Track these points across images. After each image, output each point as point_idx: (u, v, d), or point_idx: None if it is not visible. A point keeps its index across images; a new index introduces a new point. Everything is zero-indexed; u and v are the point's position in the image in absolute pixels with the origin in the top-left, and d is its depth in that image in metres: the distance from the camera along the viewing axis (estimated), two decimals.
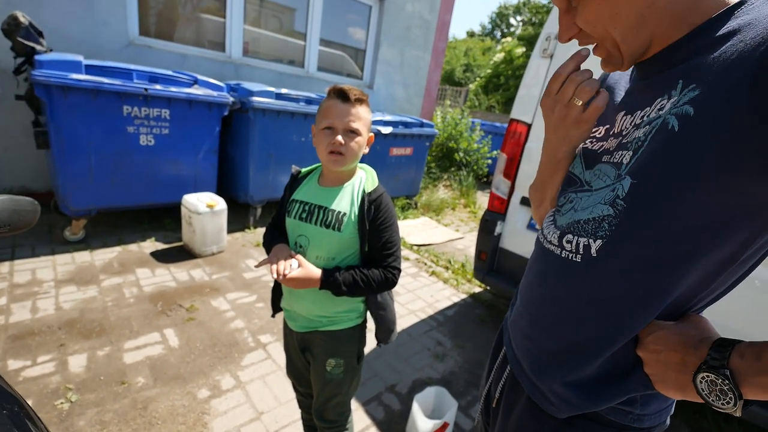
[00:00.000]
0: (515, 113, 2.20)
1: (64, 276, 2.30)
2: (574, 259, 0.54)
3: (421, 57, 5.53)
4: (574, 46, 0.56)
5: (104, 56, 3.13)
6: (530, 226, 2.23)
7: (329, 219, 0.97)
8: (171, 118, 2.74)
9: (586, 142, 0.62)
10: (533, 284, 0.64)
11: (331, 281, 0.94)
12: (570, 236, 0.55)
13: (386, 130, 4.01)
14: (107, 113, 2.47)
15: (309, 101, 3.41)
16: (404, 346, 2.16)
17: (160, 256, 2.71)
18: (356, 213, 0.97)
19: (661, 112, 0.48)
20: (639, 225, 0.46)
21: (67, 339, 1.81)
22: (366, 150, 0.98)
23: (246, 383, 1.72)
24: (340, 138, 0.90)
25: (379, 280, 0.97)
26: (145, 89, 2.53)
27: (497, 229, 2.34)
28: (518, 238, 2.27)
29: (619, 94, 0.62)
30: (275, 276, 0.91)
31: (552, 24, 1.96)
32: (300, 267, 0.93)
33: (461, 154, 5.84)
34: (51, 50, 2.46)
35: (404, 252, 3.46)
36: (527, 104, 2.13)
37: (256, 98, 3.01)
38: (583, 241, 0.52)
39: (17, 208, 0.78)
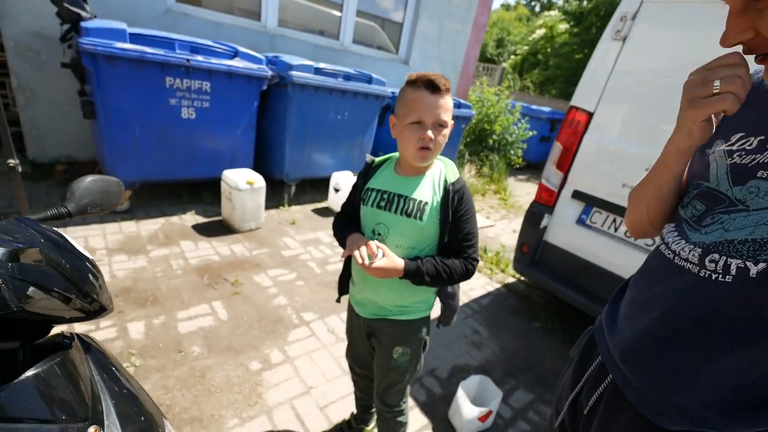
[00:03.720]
0: (576, 100, 2.06)
1: (114, 245, 2.39)
2: (720, 279, 0.53)
3: (460, 31, 5.21)
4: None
5: (142, 23, 3.09)
6: (579, 221, 2.13)
7: (410, 208, 0.95)
8: (212, 91, 2.71)
9: (734, 155, 0.57)
10: (655, 301, 0.61)
11: (414, 271, 0.93)
12: (716, 255, 0.53)
13: None
14: (151, 84, 2.46)
15: (347, 77, 3.29)
16: (442, 332, 2.16)
17: (201, 230, 2.76)
18: (438, 202, 0.95)
19: None
20: None
21: (124, 306, 1.89)
22: (445, 138, 0.94)
23: (294, 358, 1.77)
24: (430, 133, 0.87)
25: (460, 272, 0.97)
26: (187, 60, 2.49)
27: (543, 222, 2.25)
28: (566, 232, 2.18)
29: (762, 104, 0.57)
30: (360, 262, 0.90)
31: (628, 3, 1.78)
32: (385, 257, 0.92)
33: (495, 137, 5.59)
34: (95, 17, 2.43)
35: None
36: (591, 91, 1.98)
37: (295, 72, 2.93)
38: (736, 262, 0.51)
39: (107, 189, 0.79)
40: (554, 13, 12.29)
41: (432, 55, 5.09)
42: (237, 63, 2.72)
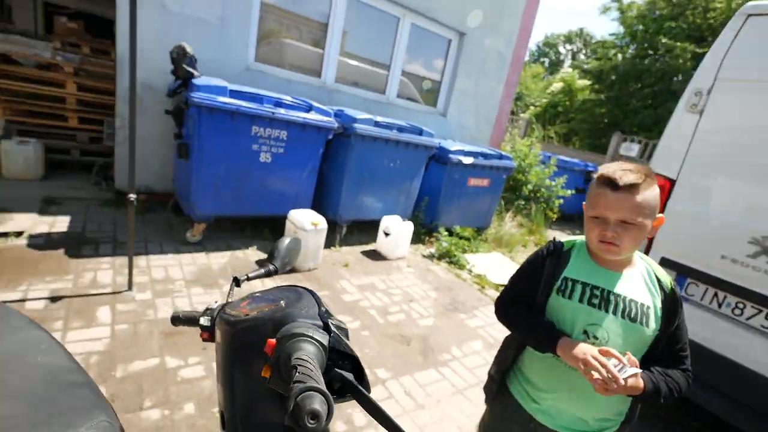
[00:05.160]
0: (656, 166, 2.02)
1: (190, 276, 2.52)
2: None
3: (494, 88, 5.63)
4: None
5: (227, 78, 3.48)
6: None
7: (634, 311, 0.85)
8: (287, 139, 2.99)
9: None
10: None
11: (652, 393, 0.80)
12: None
13: (467, 160, 4.08)
14: (241, 132, 2.76)
15: (401, 129, 3.57)
16: None
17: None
18: (660, 307, 0.86)
19: None
20: None
21: (207, 343, 1.95)
22: (653, 233, 0.85)
23: (362, 428, 1.62)
24: (610, 232, 0.81)
25: (684, 388, 0.85)
26: (272, 113, 2.79)
27: None
28: None
29: None
30: (608, 379, 0.74)
31: (702, 79, 1.86)
32: (635, 373, 0.77)
33: (530, 188, 5.72)
34: (202, 75, 2.80)
35: (489, 291, 3.41)
36: (668, 157, 1.97)
37: (358, 125, 3.21)
38: None
39: (295, 248, 0.88)
40: (569, 69, 13.10)
41: (467, 109, 5.46)
42: (311, 116, 3.03)
